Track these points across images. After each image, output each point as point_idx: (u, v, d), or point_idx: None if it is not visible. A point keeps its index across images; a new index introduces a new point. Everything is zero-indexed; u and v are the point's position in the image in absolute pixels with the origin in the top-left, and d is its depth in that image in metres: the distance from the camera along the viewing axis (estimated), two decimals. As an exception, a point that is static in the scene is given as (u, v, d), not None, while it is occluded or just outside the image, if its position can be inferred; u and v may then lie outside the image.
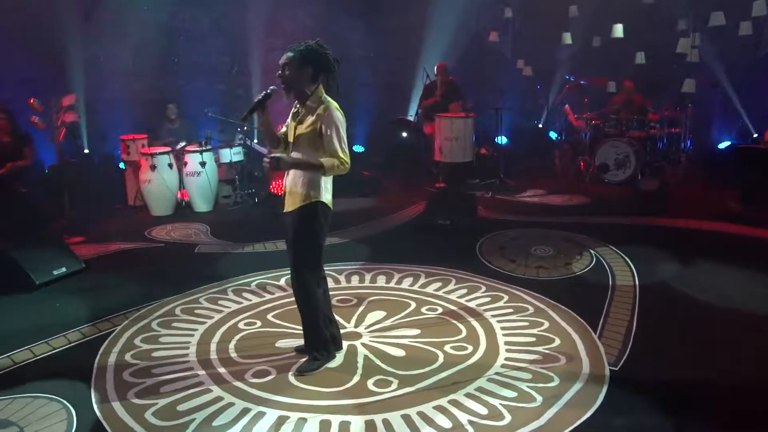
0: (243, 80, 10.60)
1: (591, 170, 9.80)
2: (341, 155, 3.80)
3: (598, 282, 5.63)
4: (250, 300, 5.31)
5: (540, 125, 11.82)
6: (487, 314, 4.94)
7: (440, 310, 5.05)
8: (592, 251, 6.43)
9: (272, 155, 3.88)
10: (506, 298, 5.27)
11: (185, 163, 8.31)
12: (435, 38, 11.29)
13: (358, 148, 11.27)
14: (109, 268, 6.29)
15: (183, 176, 8.37)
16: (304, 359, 4.18)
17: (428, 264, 6.06)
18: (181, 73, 10.18)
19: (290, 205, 3.96)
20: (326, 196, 3.94)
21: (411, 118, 11.41)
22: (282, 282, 5.66)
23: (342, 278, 5.78)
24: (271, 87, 3.95)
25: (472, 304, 5.14)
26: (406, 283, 5.64)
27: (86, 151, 9.35)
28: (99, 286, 5.78)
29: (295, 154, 3.92)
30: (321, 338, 4.14)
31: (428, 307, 5.10)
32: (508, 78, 11.12)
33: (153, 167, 8.03)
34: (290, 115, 4.03)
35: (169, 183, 8.16)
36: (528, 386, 3.87)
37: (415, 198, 8.68)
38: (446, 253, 6.40)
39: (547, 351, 4.33)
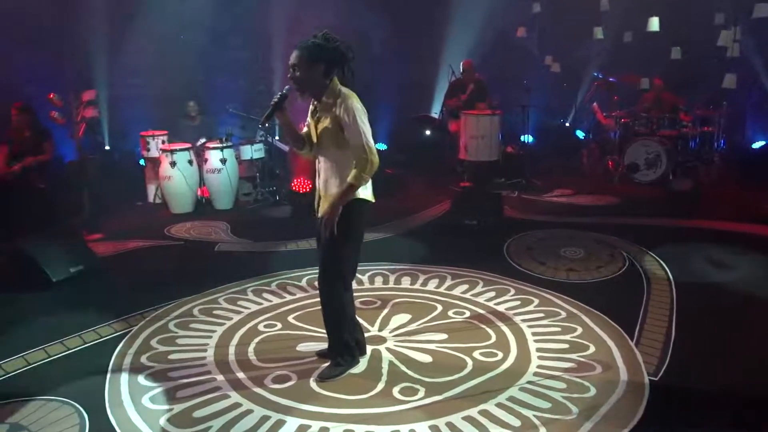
0: (265, 76, 10.43)
1: (620, 170, 9.52)
2: (366, 148, 3.57)
3: (632, 286, 5.38)
4: (270, 301, 5.13)
5: (567, 124, 11.52)
6: (517, 319, 4.73)
7: (468, 313, 4.84)
8: (624, 253, 6.18)
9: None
10: (536, 301, 5.04)
11: (205, 160, 8.17)
12: (459, 34, 11.05)
13: (381, 146, 11.04)
14: (126, 266, 6.17)
15: (203, 173, 8.23)
16: (326, 364, 4.00)
17: (454, 265, 5.85)
18: (202, 68, 10.05)
19: (326, 208, 3.73)
20: (364, 191, 3.73)
21: (435, 116, 11.20)
22: (303, 282, 5.49)
23: (365, 279, 5.59)
24: (286, 87, 3.73)
25: (501, 308, 4.93)
26: (432, 284, 5.43)
27: (107, 147, 9.25)
28: (116, 284, 5.66)
29: (321, 157, 3.77)
30: (345, 343, 3.95)
31: (455, 310, 4.90)
32: (535, 75, 10.83)
33: (173, 164, 7.90)
34: (309, 113, 3.85)
35: (189, 180, 8.02)
36: (563, 396, 3.65)
37: (439, 197, 8.47)
38: (473, 254, 6.18)
39: (581, 359, 4.10)
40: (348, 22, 10.30)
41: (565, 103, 11.47)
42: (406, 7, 11.25)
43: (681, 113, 9.41)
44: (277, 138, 9.21)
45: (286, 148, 9.31)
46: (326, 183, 3.76)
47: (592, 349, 4.23)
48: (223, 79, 10.16)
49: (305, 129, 3.90)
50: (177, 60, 9.84)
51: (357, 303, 4.85)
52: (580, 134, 11.45)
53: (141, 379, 3.93)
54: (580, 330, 4.52)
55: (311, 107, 3.82)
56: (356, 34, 10.00)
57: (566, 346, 4.28)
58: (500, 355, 4.17)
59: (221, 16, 10.03)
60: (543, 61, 10.97)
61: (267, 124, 8.97)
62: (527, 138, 10.40)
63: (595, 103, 10.35)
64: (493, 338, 4.41)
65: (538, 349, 4.24)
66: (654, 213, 7.69)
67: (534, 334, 4.47)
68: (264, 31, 10.33)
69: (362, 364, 4.06)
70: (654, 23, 9.71)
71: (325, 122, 3.64)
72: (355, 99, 3.64)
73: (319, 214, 3.81)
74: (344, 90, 3.66)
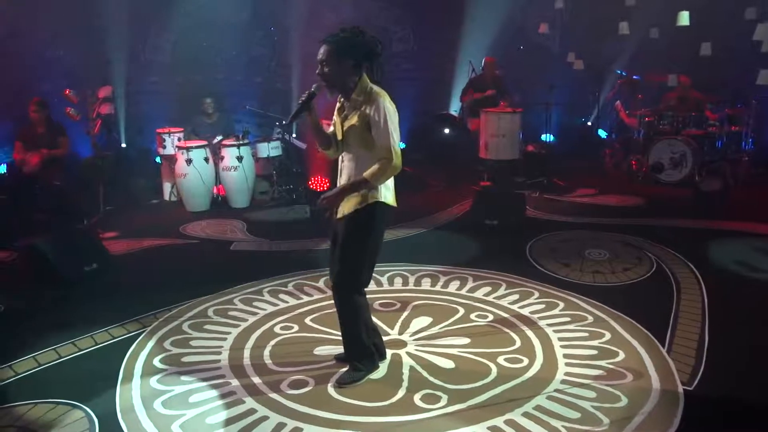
0: (283, 73, 10.30)
1: (644, 169, 9.29)
2: (391, 151, 3.42)
3: (661, 289, 5.19)
4: (286, 302, 4.99)
5: (589, 123, 11.28)
6: (543, 323, 4.55)
7: (491, 317, 4.67)
8: (651, 255, 5.98)
9: (323, 198, 3.56)
10: (562, 305, 4.86)
11: (222, 158, 8.06)
12: (479, 31, 10.84)
13: (400, 144, 10.90)
14: (141, 265, 6.06)
15: (219, 171, 8.12)
16: (345, 369, 3.85)
17: (476, 266, 5.68)
18: (219, 65, 9.94)
19: (345, 210, 3.59)
20: (386, 194, 3.58)
21: (455, 114, 11.02)
22: (320, 283, 5.34)
23: (384, 280, 5.43)
24: (314, 85, 3.59)
25: (525, 312, 4.75)
26: (453, 286, 5.26)
27: (123, 144, 9.16)
28: (130, 283, 5.55)
29: (346, 155, 3.63)
30: (364, 348, 3.80)
31: (478, 313, 4.73)
32: (557, 72, 10.62)
33: (188, 161, 7.79)
34: (335, 110, 3.70)
35: (205, 178, 7.91)
36: (593, 406, 3.48)
37: (459, 197, 8.29)
38: (494, 256, 6.02)
39: (611, 366, 3.92)
40: (367, 18, 10.15)
41: (587, 102, 11.22)
42: (426, 2, 11.08)
43: (707, 111, 9.17)
44: (294, 135, 9.06)
45: (303, 145, 9.17)
46: (347, 181, 3.62)
47: (621, 355, 4.05)
48: (241, 76, 10.02)
49: (331, 128, 3.75)
50: (194, 56, 9.75)
51: (375, 305, 4.76)
52: (602, 133, 11.22)
53: (153, 383, 3.80)
54: (608, 335, 4.33)
55: (338, 104, 3.68)
56: (375, 30, 9.82)
57: (595, 352, 4.10)
58: (526, 361, 4.00)
59: (239, 12, 9.90)
60: (565, 59, 10.73)
61: (284, 120, 8.96)
62: (548, 137, 10.20)
63: (618, 102, 10.12)
64: (518, 343, 4.24)
65: (565, 355, 4.07)
66: (681, 214, 7.47)
67: (560, 339, 4.29)
68: (282, 27, 10.18)
69: (382, 369, 3.91)
70: (684, 17, 9.41)
71: (353, 120, 3.50)
72: (386, 99, 3.49)
73: (338, 216, 3.66)
74: (375, 88, 3.52)
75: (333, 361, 4.00)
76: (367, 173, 3.45)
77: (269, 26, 10.19)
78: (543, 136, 10.46)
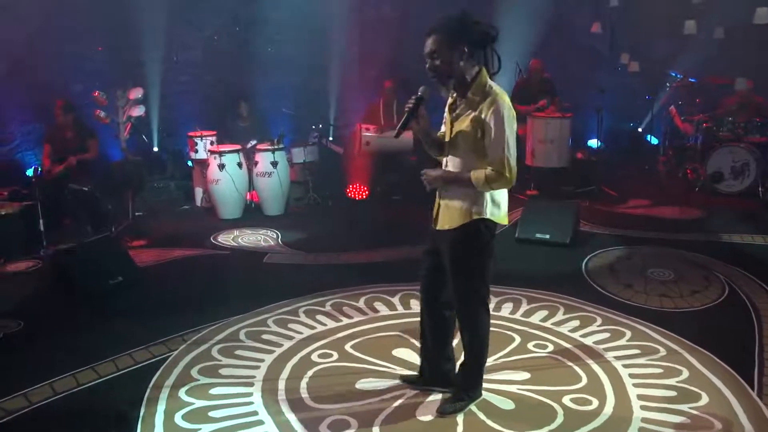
0: (320, 74, 9.89)
1: (702, 179, 8.70)
2: (503, 166, 3.01)
3: (738, 317, 4.66)
4: (324, 324, 4.58)
5: (640, 129, 10.68)
6: (609, 355, 4.07)
7: (551, 347, 4.20)
8: (721, 276, 5.45)
9: (426, 171, 3.21)
10: (629, 334, 4.37)
11: (256, 163, 7.70)
12: (526, 29, 10.28)
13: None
14: (169, 278, 5.71)
15: (253, 177, 7.76)
16: (447, 396, 3.50)
17: (529, 286, 5.20)
18: (254, 65, 9.59)
19: (445, 222, 3.24)
20: (493, 210, 3.18)
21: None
22: (361, 303, 4.93)
23: (429, 301, 4.99)
24: (422, 88, 3.20)
25: (588, 341, 4.27)
26: (506, 310, 4.80)
27: (155, 148, 8.86)
28: (156, 299, 5.19)
29: (450, 159, 3.23)
30: (481, 375, 3.44)
31: (536, 342, 4.26)
32: (606, 74, 10.06)
33: (221, 166, 7.44)
34: (446, 107, 3.30)
35: (238, 184, 7.55)
36: (680, 463, 3.00)
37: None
38: (548, 273, 5.54)
39: (694, 411, 3.43)
40: (406, 14, 9.70)
41: (637, 106, 10.62)
42: (469, 3, 10.59)
43: (771, 116, 8.58)
44: (330, 139, 8.67)
45: (340, 150, 8.79)
46: (448, 191, 3.23)
47: (704, 399, 3.55)
48: (276, 77, 9.65)
49: (443, 128, 3.37)
50: (228, 57, 9.43)
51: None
52: (653, 140, 10.64)
53: (178, 419, 3.41)
54: (686, 373, 3.83)
55: (450, 99, 3.28)
56: (415, 29, 9.43)
57: (673, 393, 3.61)
58: (595, 402, 3.53)
59: (274, 9, 9.52)
60: (617, 60, 10.15)
61: (320, 124, 8.61)
62: (596, 143, 9.66)
63: (672, 107, 9.53)
64: (584, 380, 3.77)
65: (640, 396, 3.58)
66: (747, 229, 6.90)
67: (632, 376, 3.81)
68: (320, 26, 9.77)
69: (431, 408, 3.47)
70: (763, 14, 8.71)
71: (465, 122, 3.11)
72: (506, 101, 3.07)
73: (438, 227, 3.28)
74: (495, 87, 3.11)
75: (378, 398, 3.58)
76: (473, 173, 3.06)
77: (302, 25, 9.81)
78: (590, 142, 9.94)
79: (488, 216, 3.16)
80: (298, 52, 9.64)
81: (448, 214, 3.22)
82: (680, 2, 9.58)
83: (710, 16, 9.38)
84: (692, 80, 9.40)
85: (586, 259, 5.94)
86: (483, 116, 3.04)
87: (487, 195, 3.14)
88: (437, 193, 3.33)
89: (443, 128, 3.37)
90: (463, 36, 3.04)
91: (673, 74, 9.57)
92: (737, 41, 9.34)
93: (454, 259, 3.22)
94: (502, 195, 3.21)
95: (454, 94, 3.24)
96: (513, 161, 3.04)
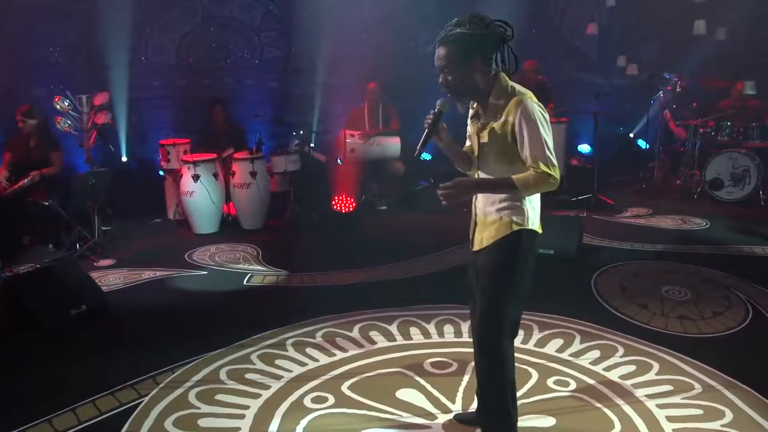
0: (300, 77, 9.34)
1: (700, 186, 8.36)
2: (547, 166, 2.64)
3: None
4: (316, 360, 4.06)
5: (631, 134, 10.31)
6: (640, 393, 3.62)
7: (573, 384, 3.74)
8: (740, 294, 5.05)
9: (447, 183, 2.73)
10: (656, 366, 3.93)
11: (233, 173, 7.14)
12: (517, 30, 9.88)
13: (426, 156, 9.93)
14: (139, 305, 5.12)
15: (230, 188, 7.21)
16: None
17: (538, 309, 4.71)
18: (229, 69, 9.03)
19: (484, 240, 2.87)
20: (534, 219, 2.83)
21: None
22: (355, 333, 4.42)
23: (431, 328, 4.51)
24: (439, 101, 2.84)
25: (613, 376, 3.82)
26: (517, 339, 4.30)
27: (123, 158, 8.25)
28: (125, 331, 4.63)
29: (482, 173, 2.86)
30: (504, 414, 2.94)
31: (556, 378, 3.80)
32: (602, 77, 9.69)
33: (195, 177, 6.88)
34: (469, 117, 2.95)
35: (214, 196, 7.00)
36: None
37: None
38: (556, 294, 5.05)
39: (748, 463, 2.99)
40: (395, 16, 9.21)
41: (628, 110, 10.25)
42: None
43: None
44: (312, 145, 8.14)
45: (323, 158, 8.28)
46: (485, 205, 2.86)
47: (756, 446, 3.12)
48: (253, 81, 9.11)
49: (468, 142, 3.01)
50: (202, 59, 8.87)
51: (426, 365, 3.87)
52: (642, 144, 10.30)
53: (150, 488, 2.88)
54: (729, 415, 3.39)
55: (471, 110, 2.93)
56: (400, 30, 8.96)
57: (721, 441, 3.17)
58: (635, 454, 3.07)
59: (251, 9, 8.98)
60: (612, 62, 9.77)
61: (302, 130, 8.07)
62: (585, 149, 9.29)
63: (666, 110, 9.18)
64: (618, 426, 3.31)
65: (683, 445, 3.14)
66: (755, 240, 6.55)
67: (669, 419, 3.36)
68: (300, 26, 9.23)
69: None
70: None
71: (492, 131, 2.75)
72: (534, 101, 2.71)
73: (475, 247, 2.94)
74: (518, 87, 2.76)
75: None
76: (517, 177, 2.66)
77: (284, 26, 9.28)
78: (580, 147, 9.57)
79: (530, 226, 2.79)
80: (277, 55, 9.12)
81: (486, 231, 2.85)
82: (679, 3, 9.22)
83: (710, 16, 9.06)
84: (685, 83, 9.03)
85: (594, 277, 5.51)
86: (512, 120, 2.68)
87: (527, 202, 2.78)
88: (474, 211, 2.94)
89: (468, 142, 2.99)
90: (477, 48, 2.69)
91: (668, 77, 9.22)
92: (738, 42, 9.02)
93: (492, 276, 2.84)
94: (537, 201, 2.85)
95: (474, 104, 2.88)
96: (554, 160, 2.67)
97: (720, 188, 8.22)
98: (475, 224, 2.93)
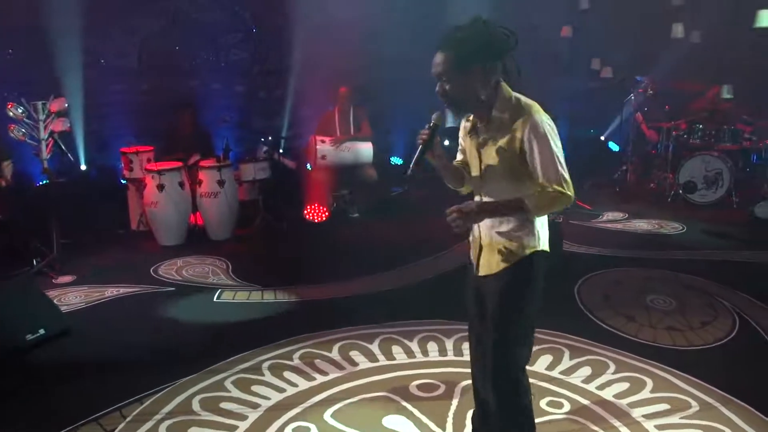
0: (268, 81, 9.05)
1: (674, 189, 8.33)
2: (560, 183, 2.44)
3: (762, 354, 4.16)
4: (295, 385, 3.82)
5: (602, 137, 10.25)
6: (637, 413, 3.47)
7: (567, 405, 3.57)
8: (724, 302, 4.97)
9: (455, 207, 2.51)
10: (650, 383, 3.79)
11: (200, 182, 6.84)
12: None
13: (397, 160, 9.73)
14: (102, 326, 4.80)
15: (197, 197, 6.90)
16: None
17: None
18: (194, 72, 8.71)
19: (493, 266, 2.64)
20: (544, 239, 2.64)
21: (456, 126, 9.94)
22: (335, 352, 4.20)
23: (414, 346, 4.30)
24: (435, 114, 2.63)
25: (607, 395, 3.66)
26: (505, 356, 4.14)
27: (83, 167, 7.87)
28: (86, 358, 4.29)
29: (487, 194, 2.64)
30: None
31: (549, 399, 3.62)
32: (576, 80, 9.60)
33: (160, 187, 6.57)
34: (462, 132, 2.76)
35: (180, 206, 6.69)
36: None
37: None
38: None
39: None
40: (360, 18, 8.98)
41: (597, 113, 10.20)
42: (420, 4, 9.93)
43: (739, 124, 8.26)
44: (281, 152, 7.87)
45: (292, 165, 8.02)
46: (492, 228, 2.63)
47: (761, 469, 2.99)
48: (219, 84, 8.80)
49: (459, 156, 2.82)
50: (165, 62, 8.53)
51: (412, 387, 3.67)
52: (613, 146, 10.26)
53: None
54: (730, 435, 3.27)
55: (465, 123, 2.73)
56: (371, 34, 8.72)
57: (724, 464, 3.03)
58: (638, 483, 2.91)
59: (216, 10, 8.68)
60: (585, 65, 9.69)
61: (270, 136, 7.81)
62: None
63: (638, 113, 9.14)
64: (619, 451, 3.15)
65: (687, 471, 2.99)
66: (730, 244, 6.53)
67: (670, 441, 3.21)
68: (268, 26, 8.94)
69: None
70: (765, 17, 8.19)
71: (497, 147, 2.52)
72: (542, 114, 2.50)
73: (481, 272, 2.70)
74: (522, 99, 2.54)
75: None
76: (528, 199, 2.46)
77: (250, 27, 8.98)
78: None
79: (541, 247, 2.60)
80: (244, 57, 8.83)
81: (493, 255, 2.63)
82: (654, 4, 9.18)
83: (687, 19, 9.03)
84: (652, 88, 8.97)
85: (577, 286, 5.37)
86: (519, 135, 2.46)
87: (536, 221, 2.58)
88: (475, 234, 2.73)
89: (459, 156, 2.79)
90: (477, 56, 2.48)
91: (639, 79, 9.17)
92: (712, 45, 9.01)
93: (503, 304, 2.63)
94: (545, 219, 2.65)
95: (470, 117, 2.66)
96: (567, 176, 2.46)
97: (693, 191, 8.20)
98: (480, 248, 2.71)
